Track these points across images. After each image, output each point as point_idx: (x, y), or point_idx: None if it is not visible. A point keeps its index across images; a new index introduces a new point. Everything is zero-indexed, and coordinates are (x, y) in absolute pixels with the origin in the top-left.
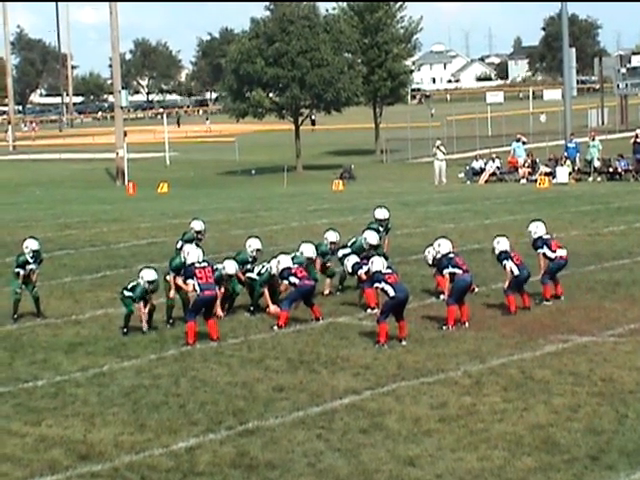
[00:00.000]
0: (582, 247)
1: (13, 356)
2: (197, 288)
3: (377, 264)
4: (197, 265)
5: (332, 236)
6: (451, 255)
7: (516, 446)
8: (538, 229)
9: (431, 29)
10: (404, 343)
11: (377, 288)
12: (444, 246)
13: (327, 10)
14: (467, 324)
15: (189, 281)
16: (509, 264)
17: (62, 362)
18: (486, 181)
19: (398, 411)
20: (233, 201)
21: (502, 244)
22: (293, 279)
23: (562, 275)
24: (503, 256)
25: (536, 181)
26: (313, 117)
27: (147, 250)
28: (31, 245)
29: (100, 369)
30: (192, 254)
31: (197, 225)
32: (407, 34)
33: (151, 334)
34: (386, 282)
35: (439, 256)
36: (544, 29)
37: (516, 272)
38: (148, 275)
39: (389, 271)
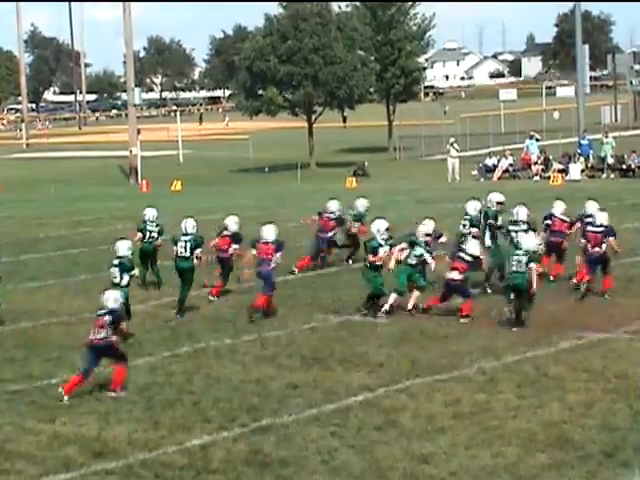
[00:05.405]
0: None
1: (27, 354)
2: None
3: None
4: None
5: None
6: None
7: (530, 443)
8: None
9: (444, 26)
10: None
11: None
12: None
13: (340, 7)
14: None
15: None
16: None
17: (76, 360)
18: (499, 178)
19: (412, 408)
20: (247, 198)
21: None
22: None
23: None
24: None
25: (549, 178)
26: (345, 114)
27: (161, 247)
28: None
29: None
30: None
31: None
32: (420, 31)
33: (164, 331)
34: None
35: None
36: (557, 26)
37: None
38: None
39: None
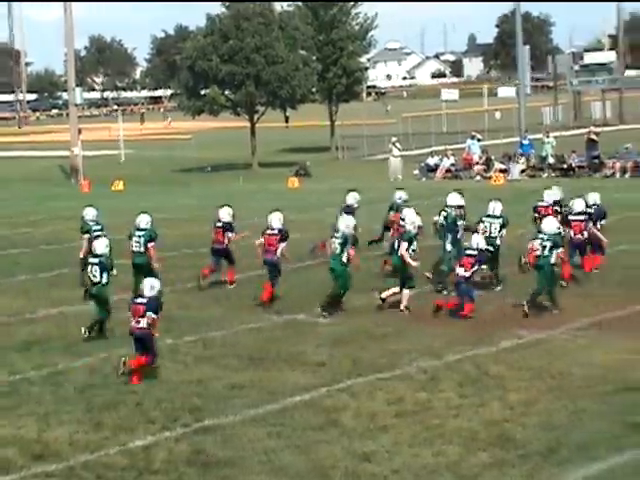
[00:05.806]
0: None
1: None
2: None
3: None
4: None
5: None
6: None
7: (471, 441)
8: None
9: (386, 26)
10: None
11: None
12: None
13: (282, 7)
14: None
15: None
16: None
17: (16, 361)
18: (443, 177)
19: (354, 407)
20: (190, 198)
21: None
22: None
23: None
24: None
25: (491, 178)
26: (287, 114)
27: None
28: None
29: (54, 368)
30: None
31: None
32: (362, 31)
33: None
34: None
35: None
36: (498, 26)
37: None
38: None
39: None
